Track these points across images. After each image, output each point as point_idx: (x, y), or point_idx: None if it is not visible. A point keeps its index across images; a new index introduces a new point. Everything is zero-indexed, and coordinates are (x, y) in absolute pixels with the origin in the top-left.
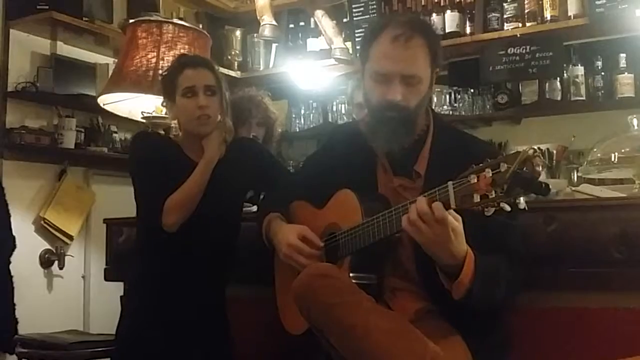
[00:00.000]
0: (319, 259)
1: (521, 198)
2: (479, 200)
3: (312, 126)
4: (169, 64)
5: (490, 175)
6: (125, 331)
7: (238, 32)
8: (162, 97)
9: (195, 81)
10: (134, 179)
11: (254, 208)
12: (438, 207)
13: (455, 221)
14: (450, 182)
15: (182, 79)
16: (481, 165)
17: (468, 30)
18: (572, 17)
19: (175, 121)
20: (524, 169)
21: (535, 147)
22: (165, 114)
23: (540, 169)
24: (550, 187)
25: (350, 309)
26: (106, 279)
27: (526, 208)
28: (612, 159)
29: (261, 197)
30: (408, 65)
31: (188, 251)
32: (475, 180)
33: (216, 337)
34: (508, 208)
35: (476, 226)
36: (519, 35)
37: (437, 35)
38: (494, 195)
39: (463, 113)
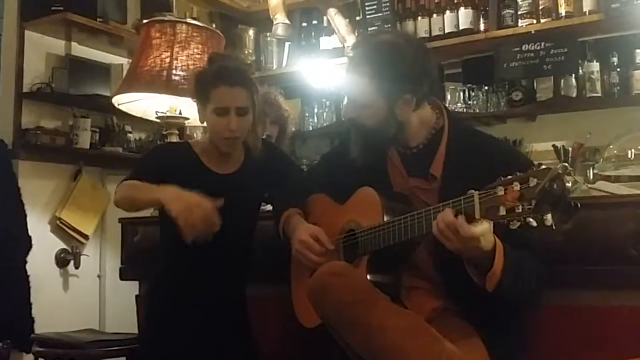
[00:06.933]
0: (329, 258)
1: (548, 215)
2: (504, 213)
3: (325, 125)
4: (198, 64)
5: (519, 189)
6: (147, 331)
7: (251, 32)
8: (178, 97)
9: (229, 102)
10: None
11: (269, 207)
12: (462, 225)
13: (481, 226)
14: (476, 192)
15: (215, 95)
16: (509, 177)
17: (482, 27)
18: (587, 13)
19: (204, 123)
20: (554, 185)
21: (558, 145)
22: (180, 113)
23: (571, 185)
24: (579, 206)
25: (366, 308)
26: (121, 278)
27: (554, 226)
28: (629, 156)
29: None
30: None
31: (207, 253)
32: (502, 193)
33: (238, 335)
34: (534, 224)
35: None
36: (533, 32)
37: None
38: (520, 210)
39: (477, 110)
